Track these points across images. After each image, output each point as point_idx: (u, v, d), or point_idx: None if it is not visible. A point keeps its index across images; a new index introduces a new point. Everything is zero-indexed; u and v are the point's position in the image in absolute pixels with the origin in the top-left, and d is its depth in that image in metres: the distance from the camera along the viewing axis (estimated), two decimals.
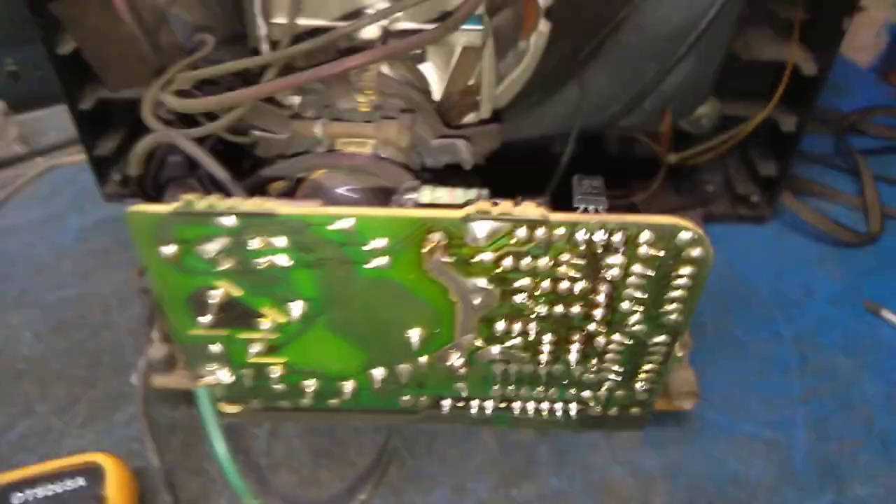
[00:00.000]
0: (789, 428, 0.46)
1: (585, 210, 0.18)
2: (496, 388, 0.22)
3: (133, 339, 0.53)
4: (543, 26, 0.34)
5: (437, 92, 0.28)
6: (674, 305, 0.19)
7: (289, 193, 0.23)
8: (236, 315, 0.19)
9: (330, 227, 0.17)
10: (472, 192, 0.18)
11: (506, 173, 0.22)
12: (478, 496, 0.45)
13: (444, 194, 0.18)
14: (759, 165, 0.45)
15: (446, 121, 0.28)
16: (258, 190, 0.23)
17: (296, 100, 0.24)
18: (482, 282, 0.18)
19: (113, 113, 0.43)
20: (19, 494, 0.38)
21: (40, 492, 0.38)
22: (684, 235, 0.17)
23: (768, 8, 0.38)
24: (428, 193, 0.18)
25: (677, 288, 0.18)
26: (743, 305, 0.53)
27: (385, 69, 0.26)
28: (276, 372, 0.21)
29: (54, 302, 0.55)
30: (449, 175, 0.28)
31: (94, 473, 0.39)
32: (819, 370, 0.49)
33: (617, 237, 0.17)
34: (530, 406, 0.22)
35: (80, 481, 0.39)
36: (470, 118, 0.30)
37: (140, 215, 0.17)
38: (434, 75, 0.28)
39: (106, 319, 0.54)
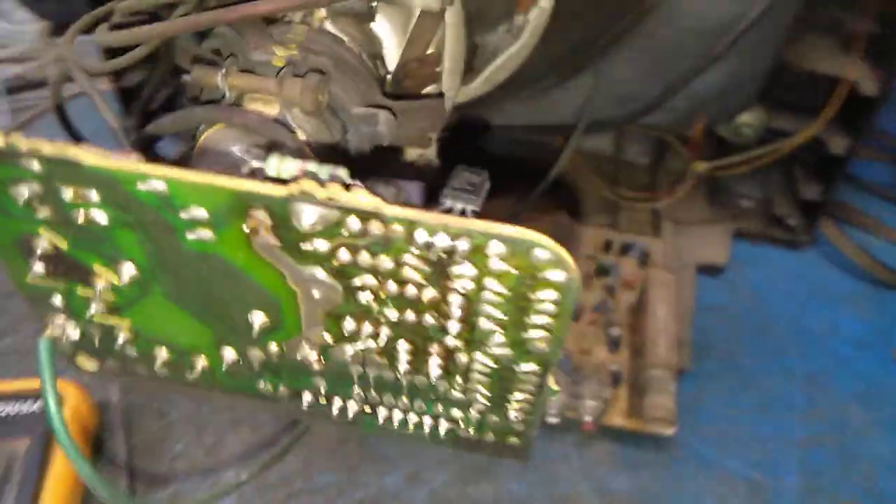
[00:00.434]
0: (779, 472, 0.42)
1: (450, 209, 0.15)
2: (356, 389, 0.19)
3: None
4: (545, 2, 0.31)
5: (391, 58, 0.26)
6: (539, 332, 0.16)
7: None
8: (68, 268, 0.18)
9: (141, 187, 0.15)
10: (326, 169, 0.16)
11: (496, 167, 0.20)
12: (431, 487, 0.43)
13: (292, 167, 0.16)
14: (801, 187, 0.41)
15: (400, 90, 0.26)
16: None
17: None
18: (321, 273, 0.16)
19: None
20: None
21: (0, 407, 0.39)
22: (540, 254, 0.14)
23: (834, 16, 0.34)
24: (275, 163, 0.16)
25: (541, 313, 0.15)
26: (757, 333, 0.49)
27: (329, 25, 0.24)
28: (122, 335, 0.19)
29: None
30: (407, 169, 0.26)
31: None
32: (826, 416, 0.45)
33: (462, 244, 0.14)
34: (396, 416, 0.20)
35: (39, 404, 0.39)
36: (430, 90, 0.27)
37: None
38: (392, 40, 0.26)
39: None
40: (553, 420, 0.41)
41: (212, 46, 0.23)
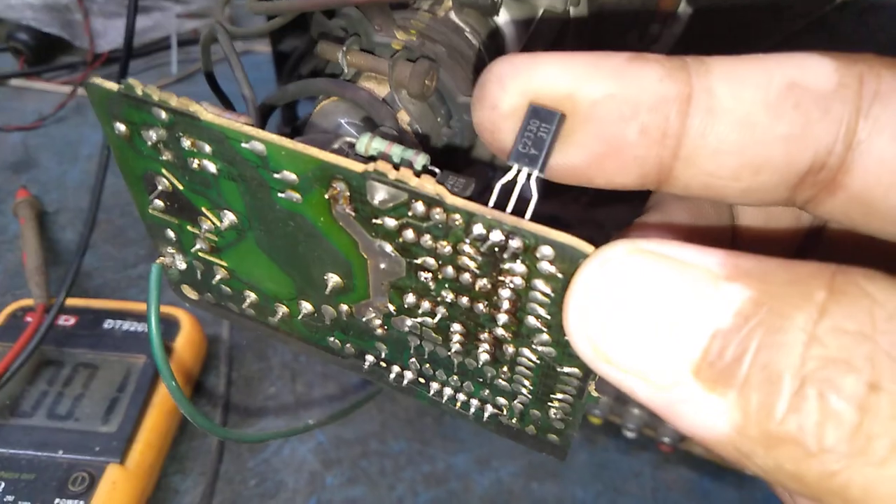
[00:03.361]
0: None
1: (519, 172, 0.16)
2: (413, 360, 0.21)
3: None
4: (684, 8, 0.30)
5: (511, 52, 0.27)
6: None
7: None
8: (182, 206, 0.20)
9: (244, 146, 0.17)
10: (407, 154, 0.17)
11: None
12: (498, 475, 0.44)
13: (379, 146, 0.17)
14: None
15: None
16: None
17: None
18: (388, 247, 0.17)
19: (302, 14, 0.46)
20: (110, 321, 0.44)
21: (126, 325, 0.44)
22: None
23: None
24: (365, 140, 0.17)
25: None
26: None
27: (453, 16, 0.25)
28: (219, 273, 0.22)
29: None
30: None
31: (171, 325, 0.44)
32: None
33: (513, 242, 0.15)
34: (447, 391, 0.21)
35: None
36: None
37: (95, 88, 0.18)
38: (513, 35, 0.27)
39: None
40: (630, 435, 0.41)
41: (339, 24, 0.24)
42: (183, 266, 0.22)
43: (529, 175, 0.15)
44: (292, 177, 0.17)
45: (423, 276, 0.17)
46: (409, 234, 0.17)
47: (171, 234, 0.21)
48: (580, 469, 0.44)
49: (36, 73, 0.61)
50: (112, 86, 0.18)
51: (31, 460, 0.38)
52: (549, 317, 0.16)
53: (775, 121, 0.14)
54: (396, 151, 0.17)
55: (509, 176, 0.15)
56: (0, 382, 0.39)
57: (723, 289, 0.11)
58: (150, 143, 0.18)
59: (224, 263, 0.21)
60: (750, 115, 0.14)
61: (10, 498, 0.36)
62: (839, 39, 0.28)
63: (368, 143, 0.17)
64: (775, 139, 0.14)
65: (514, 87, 0.16)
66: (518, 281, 0.16)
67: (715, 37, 0.29)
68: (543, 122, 0.15)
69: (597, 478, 0.44)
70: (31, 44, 0.60)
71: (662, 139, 0.15)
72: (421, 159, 0.17)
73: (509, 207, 0.15)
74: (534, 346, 0.17)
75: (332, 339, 0.22)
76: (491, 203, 0.16)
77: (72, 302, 0.44)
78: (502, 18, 0.26)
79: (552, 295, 0.16)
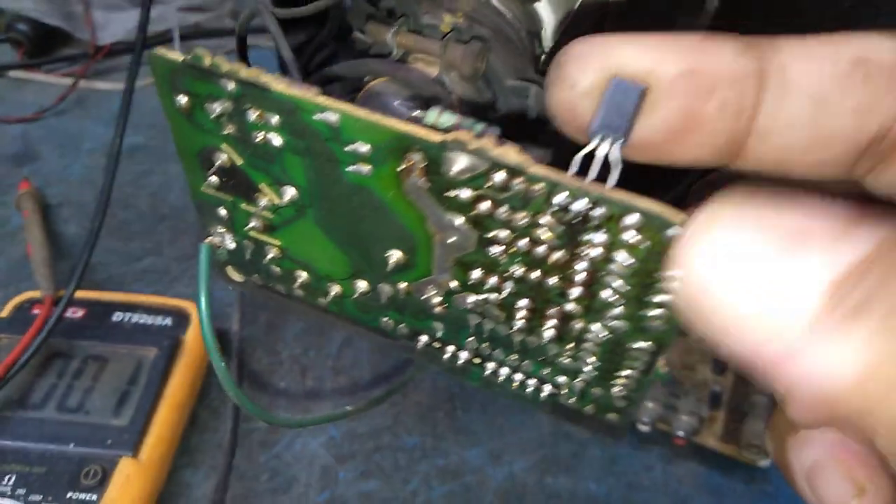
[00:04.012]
0: None
1: (602, 141, 0.15)
2: (471, 339, 0.20)
3: None
4: (710, 4, 0.31)
5: (549, 37, 0.27)
6: (659, 311, 0.17)
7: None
8: (238, 183, 0.20)
9: (316, 117, 0.17)
10: (481, 126, 0.17)
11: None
12: (511, 469, 0.44)
13: (449, 120, 0.17)
14: None
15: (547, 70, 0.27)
16: (322, 85, 0.24)
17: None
18: (459, 220, 0.17)
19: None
20: (119, 313, 0.43)
21: (136, 318, 0.43)
22: (673, 233, 0.15)
23: None
24: (434, 114, 0.17)
25: (663, 293, 0.16)
26: None
27: (494, 1, 0.25)
28: (271, 252, 0.21)
29: None
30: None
31: (181, 317, 0.44)
32: None
33: (598, 211, 0.15)
34: (503, 371, 0.21)
35: (168, 320, 0.44)
36: None
37: (159, 59, 0.18)
38: (552, 20, 0.27)
39: None
40: (644, 428, 0.41)
41: (387, 6, 0.24)
42: (232, 246, 0.22)
43: (612, 145, 0.15)
44: (364, 149, 0.17)
45: (494, 249, 0.17)
46: (485, 205, 0.16)
47: (222, 212, 0.21)
48: (592, 463, 0.44)
49: (36, 65, 0.60)
50: (177, 56, 0.17)
51: (42, 453, 0.37)
52: (626, 289, 0.16)
53: (846, 94, 0.15)
54: (468, 124, 0.17)
55: (591, 146, 0.15)
56: (9, 375, 0.38)
57: (849, 235, 0.11)
58: (212, 115, 0.18)
59: (277, 242, 0.21)
60: (821, 90, 0.15)
61: (21, 491, 0.35)
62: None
63: (438, 116, 0.17)
64: (846, 111, 0.15)
65: (593, 66, 0.16)
66: (597, 252, 0.16)
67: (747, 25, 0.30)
68: (626, 95, 0.15)
69: (609, 472, 0.44)
70: (30, 35, 0.59)
71: (739, 114, 0.15)
72: (494, 131, 0.17)
73: (590, 177, 0.15)
74: (605, 322, 0.17)
75: (385, 319, 0.21)
76: (570, 174, 0.16)
77: (80, 294, 0.43)
78: (541, 4, 0.26)
79: (634, 265, 0.16)
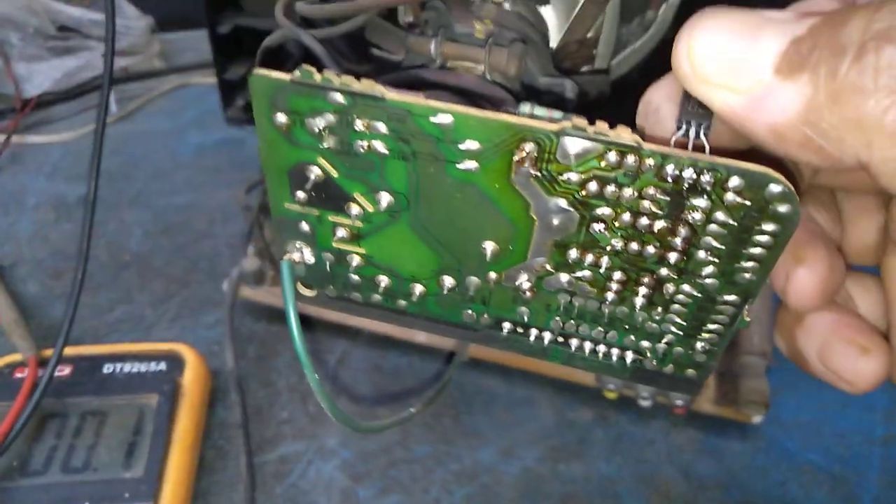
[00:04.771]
0: (861, 467, 0.44)
1: (687, 131, 0.18)
2: (557, 319, 0.22)
3: (229, 252, 0.56)
4: None
5: (554, 39, 0.29)
6: (750, 263, 0.19)
7: None
8: (329, 196, 0.21)
9: (430, 119, 0.18)
10: (570, 116, 0.19)
11: None
12: (524, 463, 0.46)
13: (543, 112, 0.19)
14: None
15: (558, 68, 0.29)
16: None
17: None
18: (564, 203, 0.19)
19: (245, 41, 0.46)
20: (109, 365, 0.42)
21: (127, 367, 0.42)
22: (774, 188, 0.17)
23: None
24: (528, 107, 0.19)
25: (757, 245, 0.18)
26: None
27: (507, 5, 0.27)
28: (355, 261, 0.22)
29: (165, 206, 0.59)
30: None
31: (175, 361, 0.43)
32: None
33: (706, 178, 0.17)
34: (587, 346, 0.22)
35: (162, 365, 0.43)
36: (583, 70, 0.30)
37: (262, 79, 0.18)
38: (554, 21, 0.29)
39: (208, 229, 0.58)
40: (645, 403, 0.43)
41: (407, 21, 0.26)
42: (311, 260, 0.22)
43: (702, 128, 0.17)
44: (475, 146, 0.18)
45: (596, 227, 0.19)
46: (593, 186, 0.18)
47: (305, 227, 0.22)
48: (599, 445, 0.46)
49: None
50: (281, 75, 0.18)
51: None
52: (722, 246, 0.18)
53: None
54: (558, 115, 0.19)
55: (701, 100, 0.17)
56: (7, 441, 0.36)
57: (798, 19, 0.15)
58: (315, 130, 0.19)
59: (362, 250, 0.22)
60: None
61: None
62: None
63: (531, 110, 0.19)
64: None
65: None
66: (698, 216, 0.18)
67: None
68: None
69: (615, 451, 0.46)
70: None
71: None
72: (570, 118, 0.19)
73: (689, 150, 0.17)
74: (696, 281, 0.19)
75: (468, 311, 0.23)
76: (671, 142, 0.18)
77: (65, 351, 0.41)
78: (547, 7, 0.28)
79: (732, 224, 0.18)
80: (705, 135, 0.18)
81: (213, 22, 0.44)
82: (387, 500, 0.42)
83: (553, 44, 0.29)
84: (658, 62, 0.37)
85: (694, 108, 0.18)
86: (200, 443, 0.42)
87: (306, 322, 0.49)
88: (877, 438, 0.45)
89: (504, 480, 0.43)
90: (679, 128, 0.18)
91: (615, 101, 0.30)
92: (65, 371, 0.41)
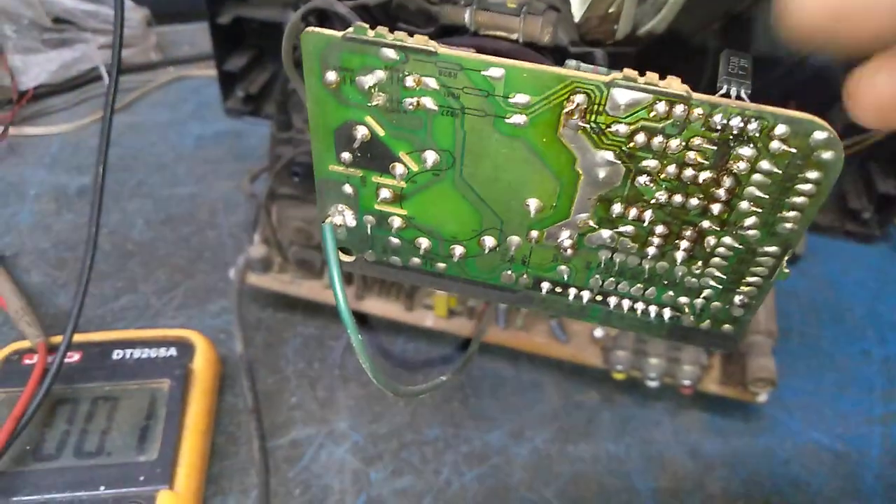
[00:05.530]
0: (863, 446, 0.45)
1: (727, 93, 0.18)
2: (597, 277, 0.22)
3: (233, 242, 0.56)
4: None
5: (577, 14, 0.29)
6: (792, 213, 0.19)
7: None
8: (374, 156, 0.21)
9: (482, 73, 0.18)
10: (616, 71, 0.19)
11: None
12: (533, 444, 0.46)
13: (589, 67, 0.19)
14: (877, 180, 0.43)
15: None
16: None
17: None
18: (610, 155, 0.19)
19: (246, 32, 0.46)
20: (119, 351, 0.41)
21: (137, 353, 0.42)
22: (819, 135, 0.17)
23: None
24: (574, 63, 0.19)
25: (800, 194, 0.19)
26: (835, 319, 0.52)
27: None
28: (396, 223, 0.22)
29: (167, 197, 0.59)
30: None
31: (185, 347, 0.43)
32: None
33: (752, 126, 0.18)
34: (626, 303, 0.23)
35: (172, 351, 0.42)
36: None
37: (313, 36, 0.19)
38: None
39: (212, 220, 0.58)
40: (653, 384, 0.44)
41: None
42: (353, 223, 0.22)
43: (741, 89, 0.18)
44: (525, 99, 0.19)
45: (641, 180, 0.19)
46: (641, 137, 0.19)
47: (348, 189, 0.22)
48: (606, 426, 0.47)
49: None
50: (334, 32, 0.18)
51: (71, 502, 0.35)
52: (766, 196, 0.19)
53: None
54: (603, 70, 0.19)
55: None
56: (20, 427, 0.36)
57: None
58: (364, 87, 0.19)
59: (404, 212, 0.22)
60: None
61: None
62: None
63: (577, 66, 0.19)
64: None
65: None
66: (743, 165, 0.18)
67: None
68: None
69: (623, 431, 0.46)
70: None
71: None
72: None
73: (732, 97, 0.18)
74: (738, 232, 0.20)
75: (508, 272, 0.23)
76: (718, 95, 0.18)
77: (74, 338, 0.41)
78: None
79: (776, 173, 0.18)
80: (747, 95, 0.18)
81: (214, 12, 0.44)
82: (398, 482, 0.42)
83: (576, 18, 0.29)
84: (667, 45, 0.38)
85: (735, 69, 0.18)
86: (213, 427, 0.42)
87: (313, 308, 0.49)
88: (876, 417, 0.46)
89: (514, 461, 0.44)
90: (720, 88, 0.19)
91: None
92: (74, 357, 0.41)
